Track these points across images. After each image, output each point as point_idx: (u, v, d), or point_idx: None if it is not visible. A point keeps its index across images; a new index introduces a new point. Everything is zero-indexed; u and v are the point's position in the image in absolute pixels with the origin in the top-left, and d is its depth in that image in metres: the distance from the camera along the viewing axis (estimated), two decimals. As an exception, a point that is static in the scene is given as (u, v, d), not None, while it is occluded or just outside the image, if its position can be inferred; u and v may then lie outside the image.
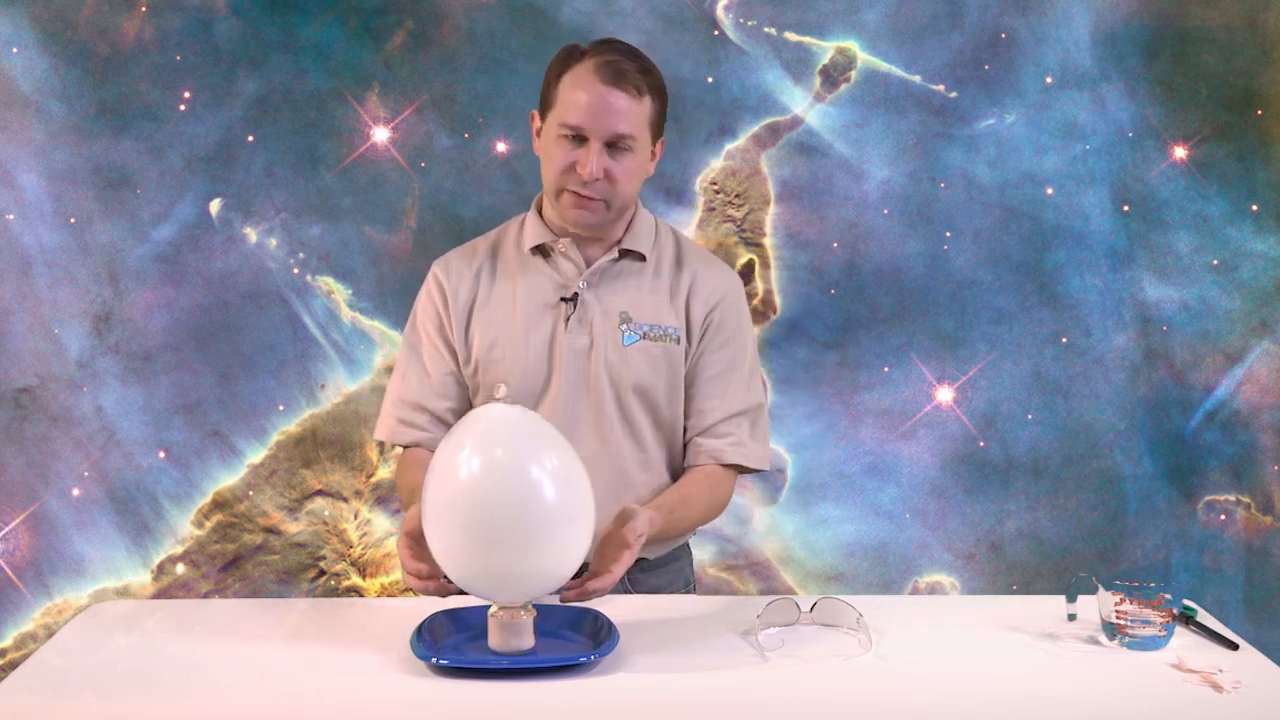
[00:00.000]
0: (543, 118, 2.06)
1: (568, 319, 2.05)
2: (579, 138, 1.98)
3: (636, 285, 2.08)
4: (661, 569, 2.16)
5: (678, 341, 2.07)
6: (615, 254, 2.07)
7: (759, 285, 3.05)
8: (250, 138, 2.98)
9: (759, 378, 2.17)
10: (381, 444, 3.05)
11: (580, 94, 1.97)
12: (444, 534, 1.60)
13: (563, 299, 2.06)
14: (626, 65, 1.99)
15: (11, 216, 2.96)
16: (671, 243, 2.15)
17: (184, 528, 3.02)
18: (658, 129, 2.06)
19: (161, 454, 3.01)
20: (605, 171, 1.98)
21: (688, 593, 2.21)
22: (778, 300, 3.05)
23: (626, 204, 2.05)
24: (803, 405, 3.06)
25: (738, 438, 2.09)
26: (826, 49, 3.03)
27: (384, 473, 3.05)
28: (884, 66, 3.03)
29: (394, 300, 3.01)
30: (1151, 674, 1.61)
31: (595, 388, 2.05)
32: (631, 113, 1.98)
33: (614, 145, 1.98)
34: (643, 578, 2.13)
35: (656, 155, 2.09)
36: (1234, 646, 1.70)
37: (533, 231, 2.10)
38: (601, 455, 2.05)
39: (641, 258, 2.09)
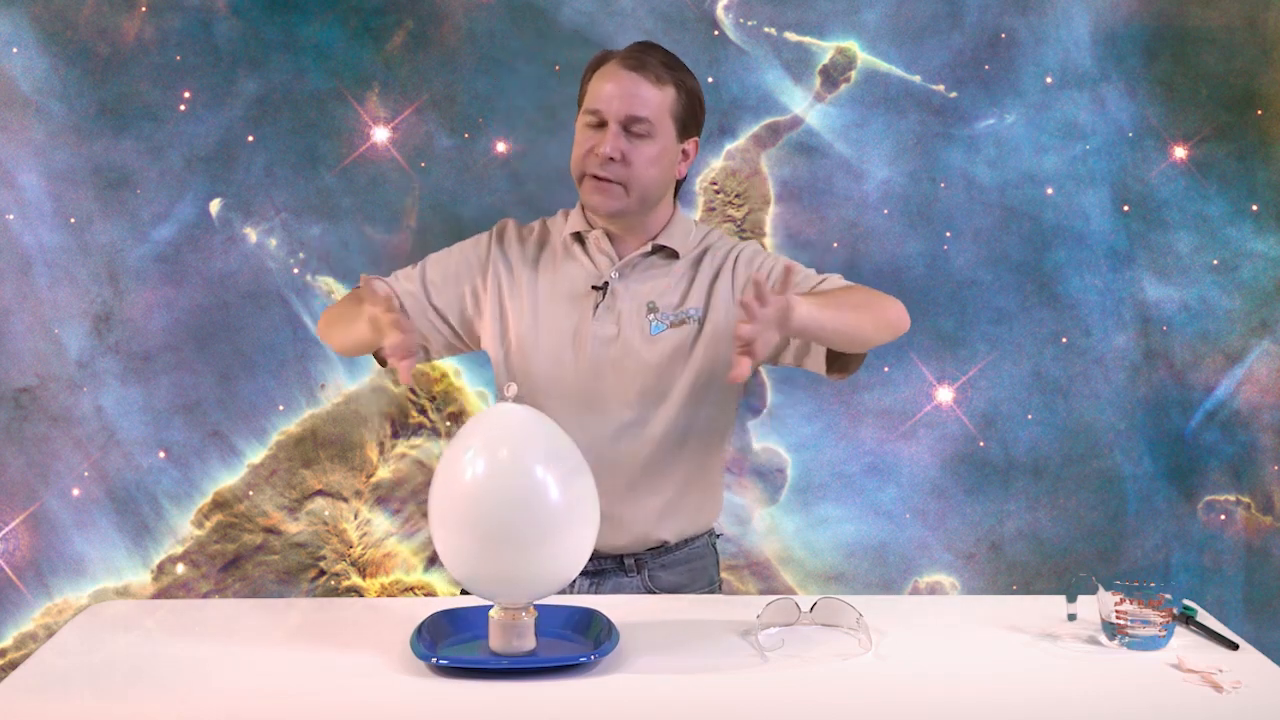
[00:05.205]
0: (579, 115, 2.10)
1: (596, 307, 2.07)
2: (601, 124, 2.03)
3: (667, 278, 2.09)
4: (683, 566, 2.14)
5: (698, 323, 2.07)
6: (648, 248, 2.09)
7: (759, 285, 3.05)
8: (250, 138, 2.98)
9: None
10: (382, 444, 3.05)
11: (604, 82, 2.04)
12: (448, 534, 1.59)
13: (593, 287, 2.08)
14: (650, 57, 2.05)
15: (11, 216, 2.96)
16: (709, 240, 2.15)
17: (184, 528, 3.02)
18: (684, 126, 2.08)
19: (161, 454, 3.01)
20: (622, 154, 2.01)
21: (711, 592, 2.19)
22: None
23: (647, 193, 2.05)
24: (803, 405, 3.06)
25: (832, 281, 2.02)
26: (826, 49, 3.03)
27: (384, 473, 3.05)
28: (884, 66, 3.03)
29: (394, 300, 3.01)
30: (1151, 674, 1.61)
31: (620, 375, 2.05)
32: (650, 98, 2.02)
33: (632, 130, 2.02)
34: (663, 575, 2.12)
35: (689, 157, 2.11)
36: (1234, 646, 1.70)
37: (574, 220, 2.13)
38: (626, 445, 2.05)
39: (675, 255, 2.10)
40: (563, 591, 2.01)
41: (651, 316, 2.07)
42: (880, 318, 1.96)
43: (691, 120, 2.09)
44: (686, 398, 2.07)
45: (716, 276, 2.10)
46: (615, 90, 2.02)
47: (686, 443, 2.09)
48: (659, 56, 2.06)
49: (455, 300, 2.13)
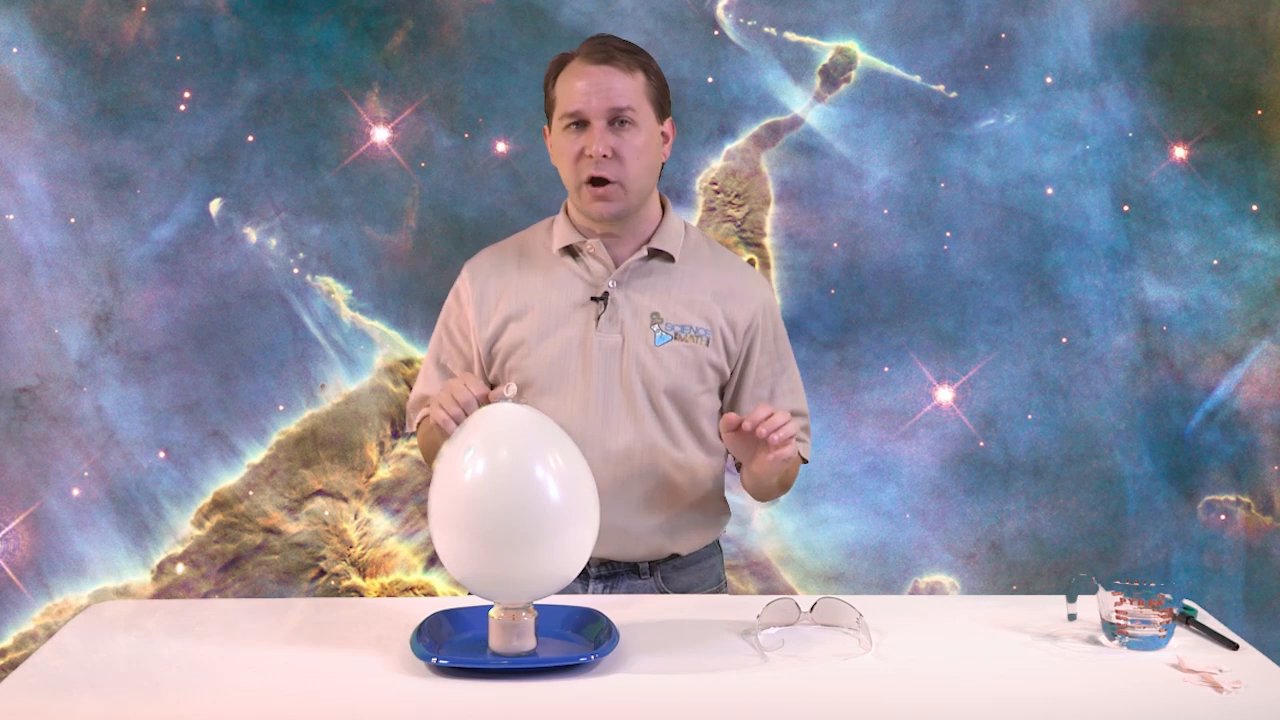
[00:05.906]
0: (550, 124, 2.08)
1: (598, 318, 2.06)
2: (581, 123, 2.02)
3: (666, 285, 2.09)
4: (694, 567, 2.15)
5: (706, 343, 2.07)
6: (644, 253, 2.08)
7: (759, 285, 3.05)
8: (250, 138, 2.98)
9: (800, 382, 2.21)
10: (382, 444, 3.05)
11: (574, 81, 2.02)
12: (448, 534, 1.60)
13: (593, 298, 2.07)
14: (612, 47, 2.04)
15: (11, 216, 2.96)
16: (704, 246, 2.16)
17: (184, 528, 3.02)
18: (661, 108, 2.08)
19: (161, 454, 3.01)
20: (613, 149, 2.00)
21: (719, 591, 2.20)
22: (778, 300, 3.05)
23: (643, 185, 2.05)
24: (803, 405, 3.06)
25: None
26: (826, 49, 3.03)
27: (384, 473, 3.06)
28: (884, 66, 3.03)
29: (394, 300, 3.01)
30: (1151, 674, 1.61)
31: (627, 386, 2.05)
32: (625, 87, 2.01)
33: (616, 122, 2.01)
34: (675, 575, 2.13)
35: (669, 138, 2.11)
36: (1234, 646, 1.70)
37: (561, 233, 2.12)
38: (639, 454, 2.05)
39: (670, 258, 2.10)
40: (574, 592, 2.02)
41: (656, 328, 2.06)
42: (782, 493, 2.22)
43: (665, 100, 2.10)
44: (695, 415, 2.08)
45: (731, 311, 2.10)
46: (589, 87, 2.01)
47: (696, 463, 2.10)
48: (619, 45, 2.05)
49: (470, 357, 2.15)
